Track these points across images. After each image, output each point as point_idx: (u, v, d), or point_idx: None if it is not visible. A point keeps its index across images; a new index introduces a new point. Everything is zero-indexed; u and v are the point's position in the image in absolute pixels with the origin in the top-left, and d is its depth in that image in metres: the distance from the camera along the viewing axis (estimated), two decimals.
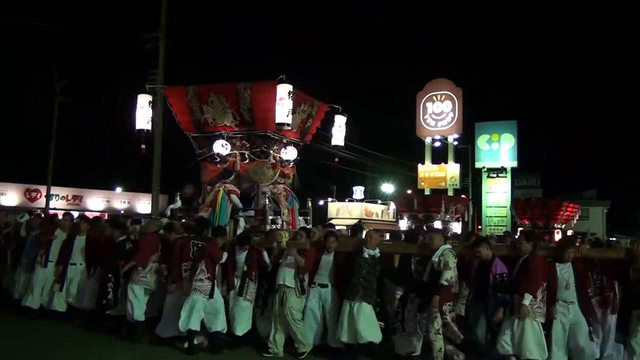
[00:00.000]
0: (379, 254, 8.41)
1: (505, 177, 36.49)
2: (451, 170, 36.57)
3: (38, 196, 39.28)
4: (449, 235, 16.16)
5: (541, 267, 7.80)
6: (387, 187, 46.29)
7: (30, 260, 10.82)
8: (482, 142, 37.30)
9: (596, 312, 8.14)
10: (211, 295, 8.66)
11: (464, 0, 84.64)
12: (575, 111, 79.21)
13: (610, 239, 37.62)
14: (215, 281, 8.78)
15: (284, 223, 11.44)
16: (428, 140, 37.28)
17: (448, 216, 29.80)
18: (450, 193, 35.34)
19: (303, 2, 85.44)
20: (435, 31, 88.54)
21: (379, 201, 40.24)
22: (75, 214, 14.28)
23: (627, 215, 51.33)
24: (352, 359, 8.29)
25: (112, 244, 9.98)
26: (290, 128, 11.21)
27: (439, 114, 37.13)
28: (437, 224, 28.76)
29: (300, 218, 12.64)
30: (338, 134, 13.54)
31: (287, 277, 8.55)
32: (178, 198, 12.24)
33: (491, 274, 7.93)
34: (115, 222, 10.93)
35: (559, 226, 28.58)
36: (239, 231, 10.11)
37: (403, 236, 12.05)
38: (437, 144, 37.41)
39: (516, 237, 20.87)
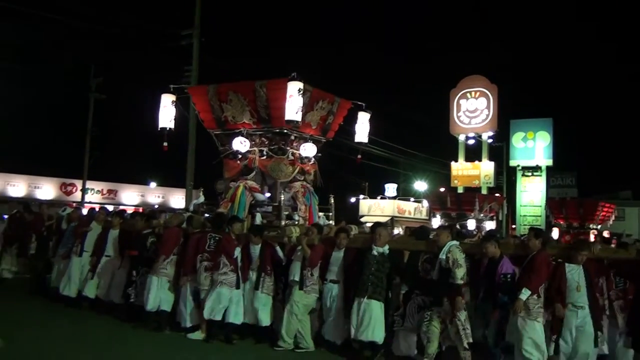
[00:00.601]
0: (387, 251, 8.47)
1: (540, 175, 36.08)
2: (485, 168, 36.23)
3: (74, 190, 40.05)
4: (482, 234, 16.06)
5: (545, 265, 7.65)
6: (420, 185, 46.08)
7: (67, 250, 11.56)
8: (517, 140, 36.90)
9: (617, 317, 7.99)
10: (237, 286, 9.09)
11: None
12: (612, 110, 77.82)
13: None
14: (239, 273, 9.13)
15: (301, 219, 11.62)
16: (462, 137, 36.99)
17: (482, 215, 29.52)
18: (484, 191, 35.00)
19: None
20: (468, 26, 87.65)
21: (412, 199, 40.11)
22: (110, 208, 14.89)
23: None
24: (356, 355, 8.47)
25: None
26: (299, 125, 11.32)
27: (473, 111, 36.82)
28: (471, 223, 28.61)
29: (321, 214, 12.80)
30: (362, 130, 13.59)
31: (296, 273, 8.88)
32: (201, 193, 12.63)
33: (497, 273, 7.84)
34: (142, 216, 11.65)
35: (594, 227, 28.13)
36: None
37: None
38: (471, 141, 37.10)
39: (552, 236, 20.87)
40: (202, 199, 12.58)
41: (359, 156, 14.18)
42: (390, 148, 38.68)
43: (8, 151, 44.27)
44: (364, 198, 40.31)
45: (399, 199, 39.22)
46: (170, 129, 12.97)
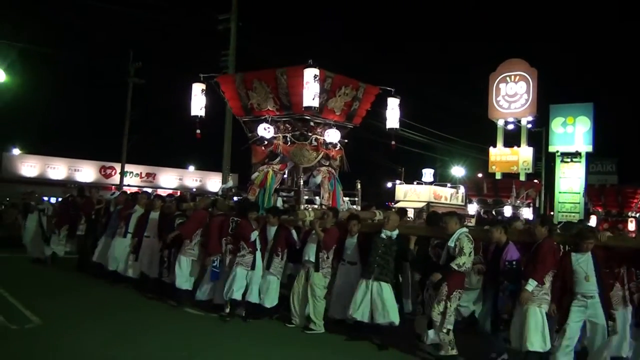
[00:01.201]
0: (396, 235, 8.60)
1: (580, 162, 35.47)
2: (524, 154, 35.79)
3: (113, 173, 40.84)
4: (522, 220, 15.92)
5: (550, 253, 7.45)
6: (457, 171, 45.90)
7: (113, 231, 12.34)
8: (556, 125, 36.32)
9: (631, 307, 7.84)
10: (252, 267, 9.53)
11: None
12: None
13: None
14: (258, 254, 9.62)
15: (322, 204, 11.89)
16: (500, 122, 36.58)
17: (519, 201, 29.32)
18: (522, 177, 34.67)
19: None
20: (509, 9, 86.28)
21: (449, 184, 39.93)
22: (150, 191, 15.57)
23: None
24: (363, 336, 8.64)
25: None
26: (317, 111, 11.56)
27: (512, 95, 36.35)
28: (507, 209, 28.42)
29: (346, 199, 13.14)
30: (392, 116, 13.72)
31: (311, 253, 9.20)
32: (230, 179, 13.07)
33: (502, 260, 7.75)
34: (177, 199, 12.69)
35: (633, 214, 27.65)
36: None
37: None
38: (510, 126, 36.65)
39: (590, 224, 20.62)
40: (230, 183, 13.05)
41: (393, 142, 14.14)
42: (428, 133, 38.54)
43: (49, 135, 45.26)
44: (400, 183, 40.28)
45: (435, 185, 39.05)
46: (201, 116, 13.50)
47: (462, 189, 36.94)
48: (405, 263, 9.01)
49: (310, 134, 12.26)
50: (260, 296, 9.60)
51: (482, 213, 27.68)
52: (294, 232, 9.75)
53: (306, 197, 12.04)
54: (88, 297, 10.88)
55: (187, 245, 10.39)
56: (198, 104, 13.49)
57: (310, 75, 11.23)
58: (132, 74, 35.08)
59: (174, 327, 8.97)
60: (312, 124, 12.35)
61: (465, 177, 41.70)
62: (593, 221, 26.21)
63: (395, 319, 8.35)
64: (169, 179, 44.75)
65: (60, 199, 15.80)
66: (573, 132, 35.76)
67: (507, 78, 36.70)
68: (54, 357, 7.14)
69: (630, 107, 73.32)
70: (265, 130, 12.28)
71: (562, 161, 36.01)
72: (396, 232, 8.65)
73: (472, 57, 79.24)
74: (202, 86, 13.52)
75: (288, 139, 12.31)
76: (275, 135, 12.36)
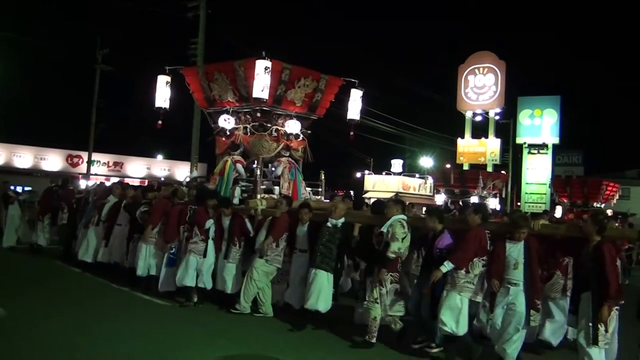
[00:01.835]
0: (340, 223, 8.76)
1: (547, 153, 36.16)
2: (491, 145, 36.29)
3: (80, 162, 40.49)
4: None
5: (475, 240, 7.45)
6: (426, 161, 46.25)
7: (87, 220, 12.81)
8: (524, 117, 37.02)
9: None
10: (204, 255, 9.85)
11: None
12: (620, 88, 77.36)
13: None
14: (210, 242, 9.92)
15: (282, 194, 12.05)
16: (469, 114, 37.03)
17: (485, 192, 29.67)
18: (489, 168, 35.13)
19: None
20: (478, 2, 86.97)
21: (417, 175, 40.23)
22: (116, 180, 15.94)
23: None
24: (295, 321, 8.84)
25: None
26: (265, 102, 11.80)
27: (480, 87, 36.78)
28: (474, 200, 28.68)
29: (308, 189, 13.37)
30: (354, 107, 13.84)
31: (259, 241, 9.47)
32: (195, 168, 13.33)
33: (434, 247, 7.85)
34: (143, 188, 13.18)
35: (598, 205, 28.16)
36: (235, 200, 11.13)
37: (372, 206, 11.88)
38: (478, 118, 37.12)
39: (555, 215, 20.92)
40: (195, 173, 13.23)
41: (352, 133, 14.18)
42: (397, 124, 38.77)
43: (14, 123, 44.57)
44: (369, 174, 40.45)
45: (404, 175, 39.32)
46: (165, 108, 13.75)
47: (430, 180, 37.27)
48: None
49: (269, 125, 12.50)
50: (223, 284, 9.85)
51: (449, 203, 27.94)
52: (247, 221, 9.98)
53: (264, 187, 12.28)
54: (55, 287, 10.95)
55: (149, 233, 10.67)
56: (162, 95, 13.72)
57: (261, 66, 11.45)
58: (99, 61, 34.69)
59: (138, 317, 9.10)
60: (275, 115, 12.59)
61: (433, 168, 42.10)
62: (559, 212, 26.69)
63: (322, 308, 8.54)
64: (136, 168, 44.46)
65: (45, 189, 16.12)
66: (540, 124, 36.40)
67: (476, 70, 37.12)
68: (17, 347, 7.13)
69: (596, 100, 74.59)
70: (225, 122, 12.52)
71: (529, 152, 36.67)
72: (341, 220, 8.80)
73: (443, 48, 79.82)
74: (167, 78, 13.73)
75: (248, 130, 12.55)
76: (236, 126, 12.61)
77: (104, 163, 42.43)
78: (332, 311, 8.77)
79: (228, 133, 12.71)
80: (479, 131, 37.40)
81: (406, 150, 47.72)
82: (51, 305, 9.34)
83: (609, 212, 28.33)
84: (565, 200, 28.27)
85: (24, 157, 39.30)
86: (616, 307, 6.77)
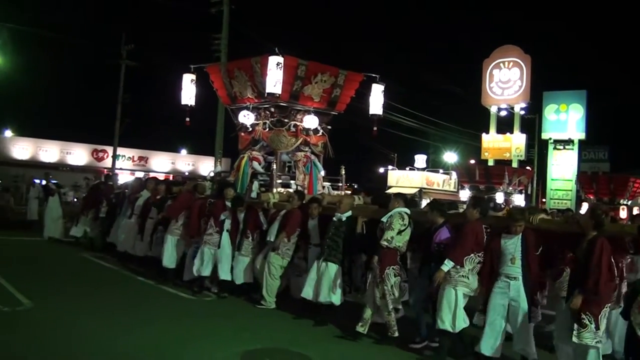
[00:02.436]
0: (345, 217, 8.91)
1: (572, 149, 35.78)
2: (516, 140, 36.03)
3: (105, 156, 40.86)
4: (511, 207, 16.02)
5: (471, 235, 7.38)
6: (450, 157, 46.03)
7: (123, 213, 13.45)
8: (549, 112, 36.63)
9: None
10: (218, 246, 10.20)
11: None
12: None
13: None
14: (225, 234, 10.24)
15: (299, 187, 12.44)
16: (493, 109, 36.80)
17: (511, 188, 29.49)
18: (514, 164, 34.92)
19: None
20: None
21: (441, 170, 40.06)
22: (141, 174, 16.52)
23: None
24: (313, 315, 8.92)
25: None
26: (278, 97, 12.09)
27: (505, 82, 36.51)
28: (499, 196, 28.53)
29: (326, 184, 13.63)
30: (375, 102, 13.98)
31: (273, 234, 9.78)
32: (218, 163, 13.62)
33: (433, 242, 7.80)
34: (168, 183, 13.79)
35: (624, 202, 27.82)
36: (253, 194, 11.52)
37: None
38: (503, 113, 36.87)
39: (580, 212, 20.69)
40: (219, 168, 13.47)
41: (375, 128, 14.25)
42: (421, 119, 38.62)
43: (40, 117, 45.13)
44: (392, 169, 40.38)
45: (428, 171, 39.20)
46: (191, 105, 14.32)
47: (454, 175, 37.09)
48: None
49: (286, 120, 12.82)
50: (233, 275, 10.21)
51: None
52: (261, 214, 10.38)
53: (280, 182, 12.63)
54: (82, 280, 11.21)
55: (174, 225, 11.14)
56: (188, 93, 14.29)
57: (273, 62, 11.74)
58: (124, 57, 34.97)
59: (162, 310, 9.33)
60: (293, 110, 12.89)
61: (457, 163, 41.87)
62: (585, 209, 26.38)
63: (336, 300, 8.64)
64: (161, 163, 44.80)
65: (92, 185, 17.43)
66: (566, 120, 36.04)
67: (501, 64, 36.87)
68: (43, 339, 7.27)
69: (623, 95, 73.58)
70: (245, 117, 12.95)
71: (554, 148, 36.31)
72: (347, 214, 8.95)
73: (468, 42, 79.27)
74: (192, 76, 14.23)
75: (267, 125, 12.85)
76: (256, 122, 12.95)
77: (129, 157, 42.82)
78: (352, 306, 8.80)
79: (249, 129, 13.05)
80: (504, 126, 37.19)
81: (430, 146, 47.62)
82: (77, 297, 9.59)
83: (636, 209, 28.12)
84: (591, 197, 27.98)
85: (49, 152, 39.75)
86: (607, 306, 6.53)
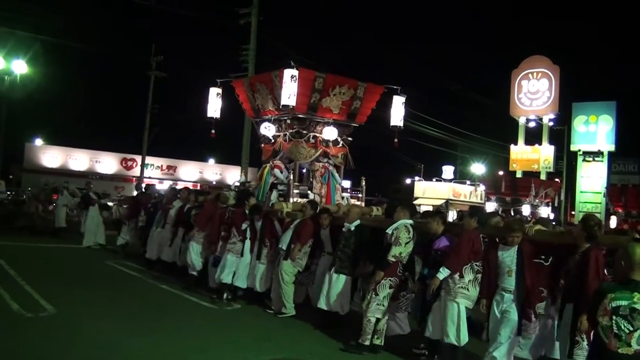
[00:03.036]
0: (354, 227, 8.98)
1: (602, 161, 35.48)
2: (545, 152, 35.91)
3: (134, 165, 41.53)
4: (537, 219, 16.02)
5: (467, 244, 7.33)
6: (478, 168, 45.79)
7: (157, 222, 13.87)
8: (578, 124, 36.39)
9: None
10: (241, 254, 10.58)
11: None
12: None
13: None
14: (247, 242, 10.63)
15: (316, 197, 12.71)
16: (522, 120, 36.76)
17: (537, 200, 29.36)
18: (543, 176, 34.79)
19: None
20: (531, 7, 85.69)
21: (468, 182, 39.90)
22: (170, 183, 17.07)
23: None
24: (327, 324, 9.09)
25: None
26: (293, 109, 12.36)
27: (534, 92, 36.51)
28: (526, 208, 28.41)
29: (345, 195, 13.91)
30: (396, 114, 14.15)
31: (285, 242, 10.03)
32: (243, 173, 13.89)
33: (432, 249, 7.84)
34: (195, 192, 13.90)
35: None
36: (271, 202, 11.95)
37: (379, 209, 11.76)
38: (532, 124, 36.84)
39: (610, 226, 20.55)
40: (242, 178, 13.76)
41: (396, 140, 14.38)
42: (448, 129, 38.56)
43: (71, 126, 46.00)
44: (419, 180, 40.30)
45: (454, 182, 39.06)
46: (216, 118, 14.94)
47: (481, 187, 36.90)
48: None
49: (305, 132, 13.11)
50: (254, 282, 10.51)
51: (500, 212, 27.69)
52: (276, 223, 10.71)
53: (297, 191, 12.91)
54: (105, 288, 11.41)
55: (200, 234, 11.50)
56: (213, 106, 14.94)
57: (287, 75, 12.12)
58: (153, 67, 35.54)
59: (184, 318, 9.42)
60: (311, 122, 13.17)
61: (485, 175, 41.66)
62: (613, 222, 26.23)
63: (341, 310, 8.84)
64: (189, 172, 45.40)
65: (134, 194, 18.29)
66: (595, 131, 35.79)
67: (530, 75, 36.85)
68: (65, 345, 7.45)
69: None
70: (266, 129, 13.37)
71: (584, 160, 36.06)
72: (355, 224, 9.02)
73: (495, 53, 78.97)
74: (218, 90, 14.83)
75: (287, 137, 13.20)
76: (277, 134, 13.36)
77: (158, 166, 43.47)
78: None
79: (272, 140, 13.45)
80: (533, 138, 37.13)
81: (457, 157, 47.42)
82: (99, 304, 9.78)
83: None
84: (620, 210, 27.79)
85: (79, 160, 40.47)
86: None
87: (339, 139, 13.47)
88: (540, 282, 7.08)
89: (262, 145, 13.81)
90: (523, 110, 36.77)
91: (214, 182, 43.95)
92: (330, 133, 13.16)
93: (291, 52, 26.92)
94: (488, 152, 45.13)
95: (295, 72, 12.11)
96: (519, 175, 35.47)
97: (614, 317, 4.41)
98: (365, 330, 7.97)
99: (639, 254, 4.45)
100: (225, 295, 10.62)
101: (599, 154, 35.57)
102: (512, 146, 37.26)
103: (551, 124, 36.47)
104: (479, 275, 7.31)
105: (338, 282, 8.82)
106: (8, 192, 32.38)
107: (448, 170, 42.17)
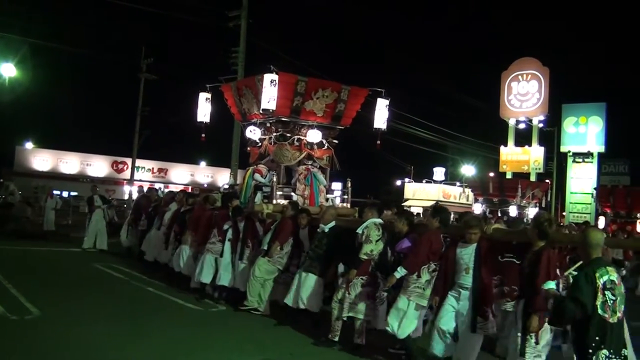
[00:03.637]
0: (328, 228, 9.13)
1: (592, 162, 35.87)
2: (535, 153, 36.25)
3: (124, 168, 41.65)
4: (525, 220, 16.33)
5: (426, 244, 7.44)
6: (468, 169, 46.01)
7: (154, 225, 14.10)
8: (568, 125, 36.76)
9: None
10: (221, 255, 10.77)
11: None
12: None
13: None
14: (227, 243, 10.82)
15: (299, 198, 12.93)
16: (512, 121, 37.11)
17: (524, 201, 29.61)
18: (532, 177, 35.11)
19: None
20: (521, 8, 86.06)
21: (458, 183, 40.16)
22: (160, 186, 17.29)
23: None
24: (293, 320, 9.31)
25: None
26: (272, 113, 12.66)
27: (524, 94, 36.84)
28: (513, 209, 28.65)
29: (329, 196, 14.08)
30: (380, 116, 14.39)
31: (265, 242, 10.27)
32: (231, 176, 14.10)
33: (394, 250, 8.00)
34: (186, 195, 14.12)
35: None
36: (255, 203, 12.14)
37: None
38: (522, 125, 37.22)
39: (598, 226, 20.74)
40: (231, 181, 13.90)
41: (378, 142, 14.63)
42: (438, 131, 38.78)
43: (61, 129, 46.01)
44: (409, 182, 40.53)
45: (444, 184, 39.31)
46: (206, 122, 15.15)
47: (468, 189, 37.13)
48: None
49: (289, 135, 13.38)
50: (238, 282, 10.62)
51: (487, 212, 27.93)
52: (257, 224, 10.94)
53: (280, 193, 13.18)
54: (91, 290, 11.39)
55: (190, 237, 11.65)
56: (203, 111, 15.18)
57: (267, 80, 12.42)
58: (143, 70, 35.57)
59: (169, 320, 9.47)
60: (295, 125, 13.41)
61: (475, 176, 41.90)
62: (602, 222, 26.46)
63: (314, 308, 8.94)
64: (180, 174, 45.53)
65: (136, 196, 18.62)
66: (585, 132, 36.14)
67: (519, 77, 37.17)
68: (48, 347, 7.49)
69: None
70: (251, 133, 13.68)
71: (573, 161, 36.42)
72: (329, 225, 9.17)
73: (485, 54, 79.31)
74: (207, 95, 15.09)
75: (272, 140, 13.47)
76: (263, 137, 13.61)
77: (149, 169, 43.57)
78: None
79: (259, 143, 13.67)
80: (523, 139, 37.43)
81: (448, 159, 47.65)
82: (84, 307, 9.76)
83: None
84: (608, 211, 28.02)
85: (70, 163, 40.54)
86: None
87: (324, 142, 13.67)
88: (512, 281, 7.18)
89: (249, 148, 14.09)
90: (513, 112, 37.11)
91: (205, 185, 44.05)
92: (314, 136, 13.37)
93: (281, 55, 27.22)
94: (478, 154, 45.42)
95: (275, 76, 12.38)
96: (509, 176, 35.79)
97: (605, 292, 4.78)
98: (334, 327, 8.16)
99: (594, 237, 5.03)
100: (212, 294, 10.84)
101: (588, 155, 35.92)
102: (502, 148, 37.64)
103: (541, 125, 36.84)
104: (435, 273, 7.40)
105: (307, 280, 8.97)
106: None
107: (439, 172, 42.43)
